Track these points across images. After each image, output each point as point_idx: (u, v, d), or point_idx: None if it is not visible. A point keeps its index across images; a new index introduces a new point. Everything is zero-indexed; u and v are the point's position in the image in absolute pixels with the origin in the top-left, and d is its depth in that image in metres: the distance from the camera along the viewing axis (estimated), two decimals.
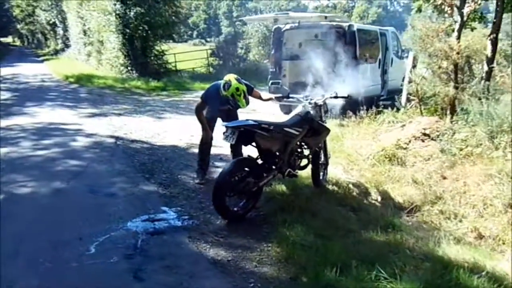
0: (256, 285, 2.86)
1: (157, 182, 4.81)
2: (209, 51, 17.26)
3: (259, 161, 4.08)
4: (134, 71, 15.62)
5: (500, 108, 4.76)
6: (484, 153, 4.75)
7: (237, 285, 2.84)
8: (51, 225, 3.61)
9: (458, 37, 5.57)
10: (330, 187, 4.85)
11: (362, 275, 2.85)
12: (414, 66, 6.99)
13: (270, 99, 4.95)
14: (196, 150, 6.37)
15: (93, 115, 8.89)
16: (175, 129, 7.76)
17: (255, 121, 3.90)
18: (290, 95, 4.74)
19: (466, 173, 4.60)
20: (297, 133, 4.21)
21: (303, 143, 4.43)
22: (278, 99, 4.79)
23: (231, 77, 4.46)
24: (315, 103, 4.51)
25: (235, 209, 3.92)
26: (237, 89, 4.35)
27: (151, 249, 3.22)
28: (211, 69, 16.96)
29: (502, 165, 4.33)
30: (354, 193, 4.75)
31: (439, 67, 5.71)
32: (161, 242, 3.36)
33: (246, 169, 3.93)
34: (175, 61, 16.67)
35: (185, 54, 17.36)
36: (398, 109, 6.97)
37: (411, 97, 6.55)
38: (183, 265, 3.02)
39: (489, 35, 5.51)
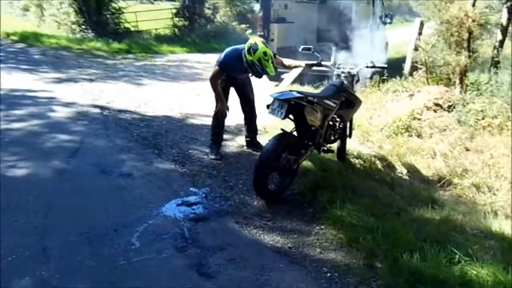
0: (333, 274, 2.66)
1: (170, 158, 4.42)
2: (174, 11, 16.22)
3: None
4: (89, 31, 14.39)
5: None
6: (503, 124, 4.77)
7: (315, 276, 2.62)
8: (72, 214, 3.16)
9: (473, 4, 5.47)
10: (353, 160, 4.69)
11: (439, 258, 2.73)
12: (420, 33, 6.89)
13: (297, 66, 4.61)
14: (193, 121, 6.02)
15: (60, 80, 8.06)
16: (160, 97, 7.23)
17: (300, 93, 3.60)
18: (322, 63, 4.43)
19: (489, 145, 4.62)
20: (334, 105, 3.97)
21: (336, 116, 4.19)
22: (308, 66, 4.46)
23: (257, 40, 4.08)
24: (349, 72, 4.26)
25: (272, 187, 3.67)
26: (265, 53, 3.98)
27: (203, 239, 2.91)
28: (176, 30, 15.98)
29: None
30: (380, 167, 4.63)
31: (452, 35, 5.62)
32: (210, 230, 3.05)
33: (286, 145, 3.65)
34: (136, 21, 15.55)
35: (147, 14, 16.19)
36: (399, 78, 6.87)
37: (418, 66, 6.46)
38: (248, 257, 2.75)
39: (506, 2, 5.47)
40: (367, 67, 4.35)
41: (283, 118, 3.52)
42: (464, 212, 3.63)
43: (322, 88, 7.45)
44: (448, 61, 5.70)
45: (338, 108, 4.08)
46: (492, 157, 4.41)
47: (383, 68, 4.50)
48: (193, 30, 15.49)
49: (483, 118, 5.00)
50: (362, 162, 4.65)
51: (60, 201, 3.35)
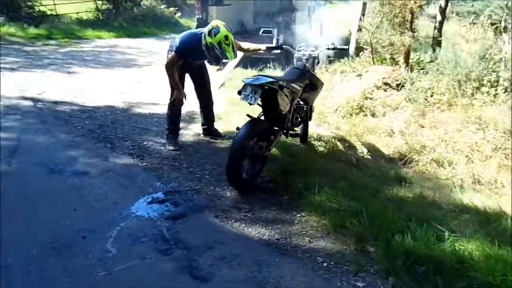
0: (329, 263, 2.57)
1: (126, 152, 4.05)
2: None
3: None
4: None
5: (466, 57, 5.03)
6: (452, 100, 5.00)
7: (312, 267, 2.51)
8: (29, 223, 2.75)
9: None
10: (315, 143, 4.65)
11: (427, 236, 2.75)
12: (363, 14, 7.00)
13: (256, 50, 4.41)
14: (139, 110, 5.62)
15: None
16: (96, 86, 6.68)
17: (270, 77, 3.43)
18: (283, 46, 4.28)
19: (441, 121, 4.82)
20: (300, 88, 3.86)
21: (299, 99, 4.09)
22: (268, 49, 4.29)
23: (218, 23, 3.84)
24: (310, 54, 4.16)
25: (245, 176, 3.50)
26: (226, 37, 3.76)
27: (186, 238, 2.67)
28: (99, 14, 14.85)
29: (479, 111, 4.62)
30: (341, 148, 4.64)
31: (395, 16, 5.76)
32: (190, 228, 2.80)
33: (257, 132, 3.49)
34: (54, 4, 14.21)
35: None
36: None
37: (364, 46, 6.57)
38: (238, 253, 2.56)
39: None
40: (328, 49, 4.29)
41: (262, 105, 3.35)
42: (432, 188, 3.74)
43: (281, 71, 7.41)
44: (393, 41, 5.86)
45: (302, 91, 3.99)
46: (447, 133, 4.61)
47: (344, 49, 4.48)
48: (118, 14, 14.55)
49: (431, 95, 5.21)
50: (324, 144, 4.62)
51: (11, 208, 2.89)
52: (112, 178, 3.46)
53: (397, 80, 5.72)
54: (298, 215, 3.16)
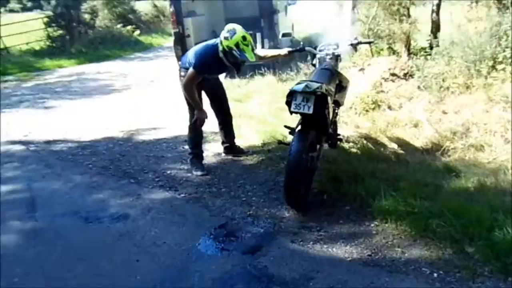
0: (439, 273, 2.41)
1: (155, 185, 3.76)
2: (46, 20, 14.28)
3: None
4: None
5: (473, 37, 5.06)
6: (468, 82, 5.02)
7: (426, 281, 2.35)
8: (97, 284, 2.42)
9: None
10: (344, 145, 4.51)
11: None
12: (354, 7, 6.97)
13: (276, 55, 4.23)
14: (142, 137, 5.30)
15: None
16: (82, 118, 6.28)
17: (315, 81, 3.25)
18: (306, 49, 4.11)
19: (462, 104, 4.81)
20: (334, 90, 3.70)
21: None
22: (291, 53, 4.12)
23: (233, 26, 3.65)
24: (333, 53, 4.02)
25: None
26: (244, 38, 3.58)
27: (277, 272, 2.43)
28: (49, 42, 14.04)
29: (501, 90, 4.64)
30: (371, 146, 4.52)
31: (392, 4, 5.75)
32: (275, 259, 2.57)
33: (308, 143, 3.30)
34: (0, 37, 13.36)
35: (10, 27, 14.01)
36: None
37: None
38: (343, 279, 2.36)
39: None
40: (351, 45, 4.18)
41: (313, 113, 3.14)
42: (485, 174, 3.68)
43: (277, 77, 7.22)
44: (393, 30, 5.85)
45: (334, 93, 3.84)
46: (473, 115, 4.60)
47: (370, 42, 4.39)
48: (74, 39, 13.89)
49: (443, 80, 5.21)
50: (354, 146, 4.49)
51: (67, 272, 2.55)
52: (158, 217, 3.16)
53: (403, 70, 5.71)
54: (372, 225, 2.99)
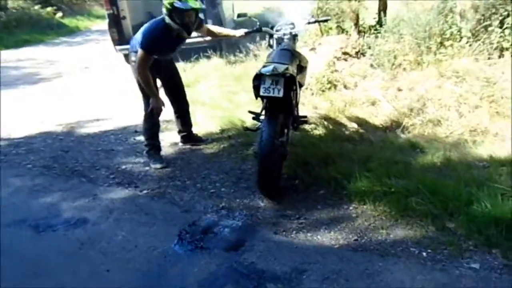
0: (427, 252, 2.43)
1: (111, 183, 3.49)
2: None
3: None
4: None
5: (420, 14, 5.18)
6: (419, 59, 5.14)
7: (418, 261, 2.34)
8: None
9: None
10: (305, 127, 4.45)
11: (496, 198, 2.74)
12: None
13: (231, 35, 4.05)
14: (85, 130, 4.94)
15: None
16: (9, 111, 5.68)
17: (283, 63, 3.12)
18: (263, 29, 3.94)
19: (415, 81, 4.93)
20: (296, 71, 3.60)
21: None
22: (248, 34, 3.93)
23: None
24: (290, 33, 3.89)
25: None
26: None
27: (267, 268, 2.32)
28: None
29: (450, 65, 4.80)
30: (332, 127, 4.50)
31: None
32: (262, 254, 2.45)
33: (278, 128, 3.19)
34: None
35: None
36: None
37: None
38: (334, 268, 2.30)
39: None
40: (309, 23, 4.08)
41: (284, 96, 3.01)
42: (446, 149, 3.79)
43: (225, 59, 6.93)
44: (342, 8, 5.85)
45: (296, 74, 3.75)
46: (427, 91, 4.73)
47: (326, 20, 4.32)
48: None
49: (395, 58, 5.31)
50: (315, 127, 4.45)
51: None
52: (122, 218, 2.91)
53: (355, 48, 5.73)
54: (351, 208, 2.97)
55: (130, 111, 5.19)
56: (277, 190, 3.15)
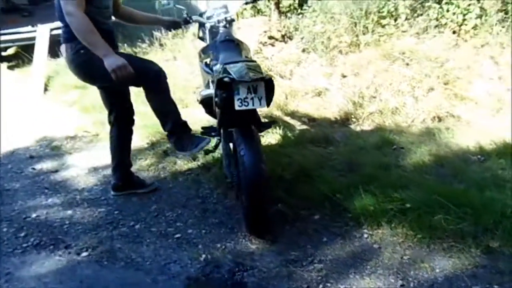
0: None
1: (27, 246, 2.47)
2: None
3: None
4: None
5: None
6: (354, 40, 4.82)
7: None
8: None
9: None
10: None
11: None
12: None
13: (156, 23, 3.21)
14: None
15: None
16: None
17: (247, 60, 2.54)
18: (193, 18, 3.15)
19: (358, 65, 4.59)
20: None
21: None
22: (185, 23, 3.11)
23: None
24: (225, 18, 3.18)
25: None
26: None
27: None
28: None
29: (394, 46, 4.56)
30: (282, 127, 3.91)
31: None
32: None
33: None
34: None
35: None
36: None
37: None
38: None
39: None
40: (246, 3, 3.51)
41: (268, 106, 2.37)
42: (422, 142, 3.51)
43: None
44: None
45: None
46: (375, 76, 4.42)
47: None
48: None
49: (329, 40, 4.91)
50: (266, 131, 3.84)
51: None
52: None
53: (280, 31, 5.19)
54: (365, 236, 2.48)
55: (12, 128, 4.05)
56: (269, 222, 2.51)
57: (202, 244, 2.44)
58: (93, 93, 5.08)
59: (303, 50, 5.02)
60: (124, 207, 2.86)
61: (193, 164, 3.37)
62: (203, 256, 2.33)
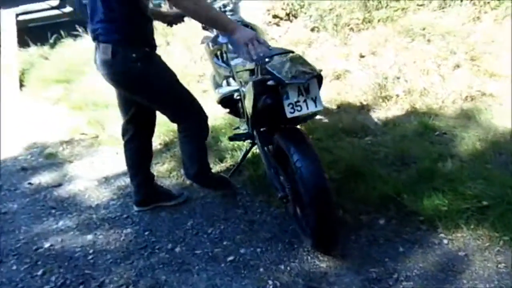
0: None
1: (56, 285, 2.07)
2: None
3: None
4: None
5: None
6: (367, 19, 4.50)
7: None
8: None
9: None
10: None
11: None
12: None
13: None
14: None
15: None
16: None
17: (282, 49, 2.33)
18: None
19: (375, 43, 4.29)
20: None
21: None
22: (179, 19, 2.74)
23: None
24: (232, 0, 2.86)
25: None
26: None
27: None
28: None
29: (408, 22, 4.28)
30: None
31: None
32: None
33: None
34: None
35: None
36: None
37: None
38: None
39: None
40: None
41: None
42: (463, 125, 3.27)
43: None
44: None
45: None
46: (396, 55, 4.13)
47: None
48: None
49: (338, 17, 4.57)
50: None
51: None
52: None
53: (284, 9, 4.83)
54: (445, 242, 2.24)
55: None
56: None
57: (263, 267, 2.12)
58: (80, 87, 4.67)
59: (312, 29, 4.69)
60: (154, 225, 2.50)
61: (220, 167, 3.03)
62: (270, 282, 2.01)
